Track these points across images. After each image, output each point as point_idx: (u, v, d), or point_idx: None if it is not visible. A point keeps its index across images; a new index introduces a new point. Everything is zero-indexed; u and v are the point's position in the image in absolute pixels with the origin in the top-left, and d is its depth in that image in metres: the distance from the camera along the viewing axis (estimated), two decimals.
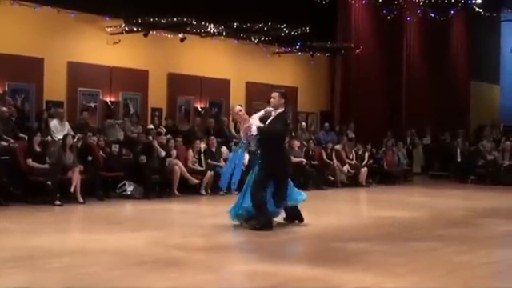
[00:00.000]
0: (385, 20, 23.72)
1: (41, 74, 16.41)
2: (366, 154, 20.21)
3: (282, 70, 22.10)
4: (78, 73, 17.13)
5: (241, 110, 10.85)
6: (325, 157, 19.22)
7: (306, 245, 9.47)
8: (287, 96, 10.65)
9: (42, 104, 16.29)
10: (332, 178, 18.96)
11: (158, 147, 15.21)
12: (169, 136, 16.22)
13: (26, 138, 13.87)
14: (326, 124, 21.94)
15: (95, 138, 14.76)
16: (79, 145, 14.36)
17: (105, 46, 17.51)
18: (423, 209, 13.76)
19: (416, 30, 25.84)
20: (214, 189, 15.69)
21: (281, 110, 10.40)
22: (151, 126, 17.26)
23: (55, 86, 16.66)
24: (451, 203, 15.38)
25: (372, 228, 11.10)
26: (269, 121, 10.44)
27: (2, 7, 15.14)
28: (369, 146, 20.72)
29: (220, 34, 19.01)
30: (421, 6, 24.69)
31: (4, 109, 14.41)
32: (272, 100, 10.52)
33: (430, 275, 7.21)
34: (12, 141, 13.81)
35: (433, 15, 25.10)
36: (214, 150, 16.56)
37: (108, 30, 17.54)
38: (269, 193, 10.24)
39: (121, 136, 16.33)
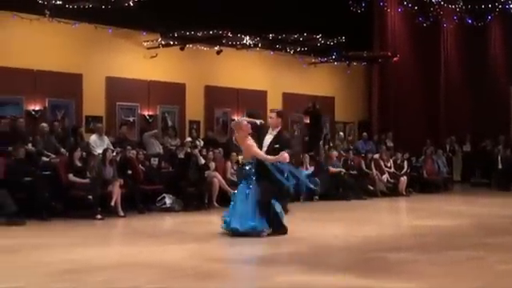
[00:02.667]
0: (421, 27, 23.56)
1: (80, 90, 16.62)
2: (406, 163, 20.05)
3: (318, 80, 22.07)
4: (116, 87, 17.31)
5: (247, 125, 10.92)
6: (364, 166, 19.12)
7: (347, 255, 9.40)
8: (283, 115, 11.01)
9: (81, 119, 16.49)
10: (371, 188, 18.84)
11: (198, 154, 15.29)
12: (208, 148, 16.30)
13: (67, 153, 14.05)
14: (365, 133, 21.82)
15: (134, 152, 14.88)
16: (119, 159, 14.50)
17: (142, 61, 17.69)
18: (464, 217, 13.59)
19: (453, 37, 25.61)
20: None
21: (278, 129, 10.73)
22: (189, 139, 17.36)
23: (94, 101, 16.85)
24: (493, 211, 15.15)
25: (413, 237, 11.00)
26: (268, 141, 10.65)
27: (42, 24, 15.36)
28: (408, 155, 20.56)
29: (256, 45, 19.08)
30: (457, 13, 24.49)
31: (44, 125, 14.63)
32: (269, 120, 10.91)
33: (474, 285, 7.11)
34: (53, 156, 14.00)
35: (470, 21, 24.86)
36: None
37: (145, 44, 17.72)
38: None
39: (159, 149, 16.44)
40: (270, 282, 7.33)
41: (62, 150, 14.38)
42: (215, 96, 19.38)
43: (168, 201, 14.68)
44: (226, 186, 15.48)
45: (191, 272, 7.66)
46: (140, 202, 14.17)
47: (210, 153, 16.00)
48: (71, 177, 13.38)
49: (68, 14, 15.46)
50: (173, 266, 7.99)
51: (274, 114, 10.83)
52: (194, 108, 18.93)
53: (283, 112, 11.09)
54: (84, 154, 14.09)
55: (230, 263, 8.28)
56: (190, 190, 14.89)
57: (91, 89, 16.74)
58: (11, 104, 15.47)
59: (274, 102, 20.77)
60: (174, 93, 18.49)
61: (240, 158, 12.78)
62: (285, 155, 10.38)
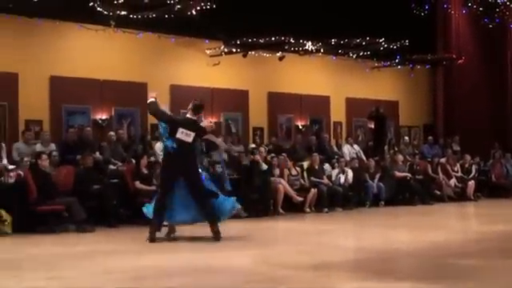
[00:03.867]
0: (486, 29, 23.09)
1: (145, 99, 16.61)
2: (474, 167, 19.68)
3: (381, 84, 21.88)
4: (180, 95, 17.39)
5: None
6: (430, 171, 18.85)
7: (415, 261, 9.25)
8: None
9: (146, 127, 16.69)
10: (438, 193, 18.56)
11: (261, 160, 15.31)
12: (272, 154, 16.30)
13: (134, 160, 14.25)
14: (430, 137, 21.53)
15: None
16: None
17: (205, 68, 17.82)
18: None
19: None
20: (318, 206, 15.67)
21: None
22: (253, 145, 17.39)
23: None
24: None
25: (482, 243, 10.75)
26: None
27: (107, 35, 15.63)
28: (477, 159, 20.19)
29: (318, 50, 19.03)
30: None
31: (112, 133, 14.88)
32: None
33: None
34: (120, 164, 14.22)
35: None
36: (316, 167, 16.51)
37: (208, 52, 17.86)
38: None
39: (224, 156, 16.49)
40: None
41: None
42: (278, 102, 19.40)
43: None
44: (291, 192, 15.47)
45: (259, 278, 7.64)
46: None
47: (275, 159, 16.00)
48: (138, 184, 13.56)
49: (132, 24, 15.70)
50: (240, 272, 8.00)
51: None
52: (258, 114, 18.98)
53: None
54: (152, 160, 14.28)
55: (298, 269, 8.22)
56: (254, 196, 14.90)
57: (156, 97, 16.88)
58: (79, 113, 15.80)
59: (337, 108, 20.73)
60: (237, 100, 18.58)
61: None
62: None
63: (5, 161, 13.38)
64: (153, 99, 10.91)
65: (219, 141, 10.80)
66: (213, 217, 10.72)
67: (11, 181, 12.61)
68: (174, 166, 10.69)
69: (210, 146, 10.88)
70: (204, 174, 11.02)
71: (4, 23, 14.59)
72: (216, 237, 10.61)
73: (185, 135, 10.54)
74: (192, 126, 10.63)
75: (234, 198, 11.20)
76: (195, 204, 10.63)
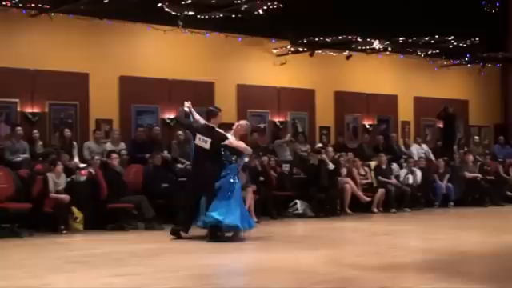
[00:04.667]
0: None
1: (212, 98, 16.96)
2: None
3: (450, 83, 21.53)
4: (247, 95, 17.56)
5: None
6: (502, 172, 18.45)
7: (484, 264, 9.05)
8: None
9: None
10: (510, 194, 18.13)
11: (327, 159, 15.24)
12: (339, 154, 16.23)
13: None
14: (501, 137, 21.05)
15: (266, 158, 15.01)
16: (257, 165, 14.63)
17: (272, 68, 17.85)
18: None
19: None
20: (386, 207, 15.52)
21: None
22: (320, 145, 17.33)
23: (226, 109, 16.90)
24: None
25: None
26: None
27: (175, 35, 15.80)
28: None
29: (385, 49, 18.85)
30: None
31: (180, 132, 15.04)
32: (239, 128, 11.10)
33: None
34: (188, 163, 14.34)
35: None
36: (384, 167, 16.35)
37: (274, 51, 17.88)
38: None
39: (290, 155, 16.52)
40: None
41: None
42: (345, 101, 19.29)
43: (300, 207, 14.73)
44: (359, 192, 15.37)
45: (327, 278, 7.60)
46: (273, 207, 14.28)
47: (342, 158, 15.92)
48: None
49: (200, 24, 15.84)
50: (308, 272, 7.97)
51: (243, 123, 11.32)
52: (324, 114, 18.91)
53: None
54: None
55: (366, 270, 8.15)
56: (321, 195, 14.85)
57: (223, 96, 17.05)
58: (147, 113, 16.02)
59: (405, 107, 20.48)
60: (303, 99, 18.55)
61: None
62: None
63: (76, 159, 13.68)
64: (186, 108, 11.12)
65: (242, 147, 10.72)
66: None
67: (82, 179, 12.87)
68: (193, 172, 11.02)
69: (237, 152, 10.83)
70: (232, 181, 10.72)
71: (75, 24, 14.89)
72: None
73: (202, 141, 10.67)
74: (208, 132, 10.72)
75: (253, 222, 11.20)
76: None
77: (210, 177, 10.53)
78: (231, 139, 10.69)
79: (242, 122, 11.40)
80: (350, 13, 17.07)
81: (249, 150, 10.93)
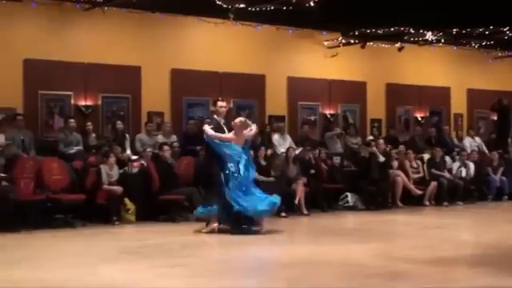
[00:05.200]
0: None
1: (263, 90, 17.00)
2: None
3: (505, 74, 21.11)
4: (297, 87, 17.53)
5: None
6: None
7: None
8: None
9: (264, 119, 16.84)
10: None
11: (377, 152, 15.14)
12: (390, 146, 16.10)
13: (252, 152, 14.37)
14: None
15: (317, 151, 14.98)
16: (310, 157, 14.62)
17: (323, 60, 17.77)
18: None
19: None
20: (438, 200, 15.35)
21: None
22: (371, 137, 17.22)
23: (277, 101, 17.17)
24: None
25: None
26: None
27: (226, 28, 15.84)
28: None
29: (438, 41, 18.58)
30: None
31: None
32: (223, 109, 11.15)
33: None
34: None
35: None
36: (437, 160, 16.16)
37: (325, 43, 17.80)
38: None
39: (341, 148, 16.45)
40: (464, 283, 7.08)
41: None
42: (397, 93, 19.10)
43: (350, 199, 14.68)
44: (410, 185, 15.23)
45: (378, 271, 7.56)
46: (323, 200, 14.25)
47: (393, 151, 15.79)
48: (256, 175, 13.66)
49: (251, 17, 15.83)
50: (359, 265, 7.93)
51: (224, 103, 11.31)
52: (375, 106, 18.76)
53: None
54: (269, 152, 14.40)
55: (417, 264, 8.07)
56: (372, 188, 14.76)
57: (274, 89, 17.07)
58: (198, 105, 16.12)
59: (458, 99, 20.20)
60: (354, 91, 18.43)
61: None
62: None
63: (128, 151, 13.84)
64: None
65: (218, 136, 10.83)
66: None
67: (135, 171, 13.03)
68: None
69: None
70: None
71: (128, 18, 15.05)
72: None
73: None
74: None
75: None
76: None
77: (203, 169, 10.85)
78: (206, 128, 10.89)
79: (237, 119, 11.33)
80: (403, 4, 16.82)
81: (227, 137, 10.83)
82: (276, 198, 10.83)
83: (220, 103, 11.22)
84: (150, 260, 8.26)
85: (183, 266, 7.76)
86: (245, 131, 10.89)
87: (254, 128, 11.07)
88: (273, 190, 13.15)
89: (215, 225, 10.65)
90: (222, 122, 11.07)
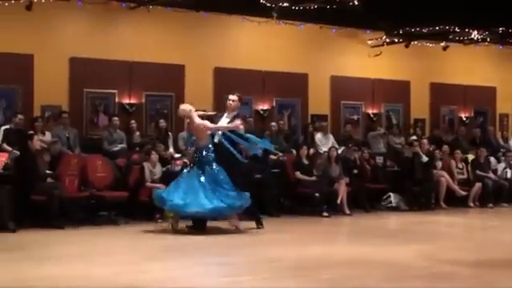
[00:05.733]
0: None
1: (305, 89, 16.96)
2: None
3: None
4: (340, 86, 17.46)
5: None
6: None
7: None
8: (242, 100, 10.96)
9: (307, 118, 16.81)
10: None
11: (421, 152, 15.00)
12: (434, 147, 15.95)
13: (294, 151, 14.40)
14: None
15: (359, 151, 14.90)
16: (356, 158, 14.55)
17: (366, 59, 17.66)
18: None
19: None
20: (483, 201, 15.14)
21: (234, 113, 10.84)
22: (414, 137, 17.04)
23: (319, 100, 17.12)
24: None
25: None
26: (225, 123, 10.65)
27: (269, 27, 15.83)
28: None
29: (484, 40, 18.30)
30: None
31: (273, 123, 15.14)
32: (230, 103, 10.86)
33: None
34: (281, 154, 14.39)
35: None
36: (482, 160, 15.94)
37: (369, 42, 17.68)
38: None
39: (384, 148, 16.34)
40: (508, 285, 6.98)
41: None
42: (441, 93, 18.88)
43: (393, 200, 14.57)
44: (454, 186, 15.07)
45: (422, 273, 7.50)
46: (366, 200, 14.17)
47: (437, 151, 15.63)
48: (298, 174, 13.69)
49: (294, 16, 15.79)
50: (401, 266, 7.87)
51: (235, 97, 10.90)
52: (419, 106, 18.59)
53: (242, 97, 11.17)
54: (311, 151, 14.38)
55: (460, 266, 7.98)
56: (415, 189, 14.63)
57: (316, 88, 17.03)
58: (242, 104, 16.08)
59: (504, 99, 19.90)
60: (398, 91, 18.28)
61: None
62: (237, 122, 10.51)
63: (171, 149, 13.93)
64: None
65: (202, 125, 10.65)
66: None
67: (177, 169, 13.09)
68: None
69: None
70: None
71: (172, 16, 15.15)
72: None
73: None
74: None
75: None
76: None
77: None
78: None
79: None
80: (448, 2, 16.65)
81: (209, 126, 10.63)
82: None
83: (231, 96, 11.10)
84: (191, 258, 8.31)
85: (224, 265, 7.79)
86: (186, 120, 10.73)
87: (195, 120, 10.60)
88: (315, 189, 13.24)
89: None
90: (226, 115, 10.92)
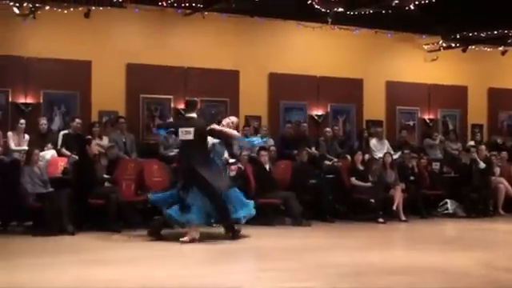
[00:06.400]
0: None
1: (360, 95, 16.88)
2: None
3: None
4: (396, 92, 17.32)
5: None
6: None
7: None
8: None
9: (362, 123, 16.71)
10: None
11: (478, 158, 14.76)
12: (492, 153, 15.67)
13: (349, 156, 14.32)
14: None
15: (417, 158, 14.73)
16: (408, 164, 14.39)
17: (422, 64, 17.50)
18: None
19: None
20: None
21: None
22: (471, 143, 16.79)
23: (374, 106, 17.01)
24: None
25: None
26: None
27: (324, 32, 15.81)
28: None
29: None
30: None
31: (328, 129, 15.10)
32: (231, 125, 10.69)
33: None
34: (335, 160, 14.35)
35: None
36: None
37: (425, 47, 17.51)
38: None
39: (440, 154, 16.13)
40: None
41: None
42: (499, 98, 18.59)
43: (450, 206, 14.36)
44: None
45: (480, 281, 7.35)
46: (422, 207, 13.99)
47: (495, 157, 15.35)
48: (353, 180, 13.60)
49: (349, 21, 15.75)
50: (458, 274, 7.74)
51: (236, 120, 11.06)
52: (477, 111, 18.33)
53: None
54: (366, 157, 14.28)
55: None
56: (472, 195, 14.39)
57: (371, 93, 16.94)
58: (296, 109, 16.15)
59: None
60: (455, 96, 18.06)
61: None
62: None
63: (226, 155, 13.94)
64: None
65: (229, 131, 10.47)
66: (225, 219, 10.23)
67: (232, 174, 13.13)
68: (181, 168, 10.41)
69: (227, 141, 10.68)
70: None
71: (227, 22, 15.25)
72: (232, 236, 10.22)
73: (185, 133, 10.19)
74: (190, 121, 10.32)
75: (251, 204, 10.61)
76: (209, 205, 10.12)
77: (199, 167, 10.08)
78: (215, 126, 10.53)
79: (233, 118, 11.11)
80: (506, 6, 16.36)
81: (236, 134, 10.73)
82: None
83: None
84: (244, 263, 8.32)
85: (278, 271, 7.76)
86: None
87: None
88: (370, 195, 13.14)
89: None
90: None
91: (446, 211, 14.40)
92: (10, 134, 12.36)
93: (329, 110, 16.53)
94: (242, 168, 13.10)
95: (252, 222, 12.31)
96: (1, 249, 9.37)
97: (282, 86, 15.91)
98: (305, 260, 8.55)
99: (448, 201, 14.46)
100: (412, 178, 14.16)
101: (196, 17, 14.77)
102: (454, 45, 17.36)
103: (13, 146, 12.23)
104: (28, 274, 7.48)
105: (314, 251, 9.41)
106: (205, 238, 10.19)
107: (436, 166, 15.16)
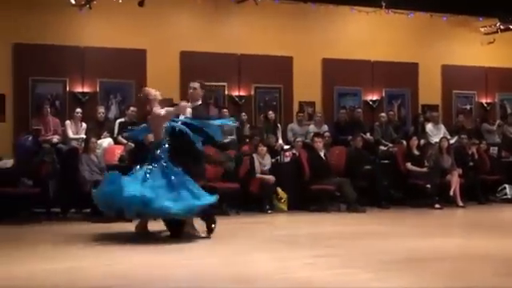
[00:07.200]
0: None
1: (416, 79, 16.70)
2: None
3: None
4: (452, 75, 17.08)
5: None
6: None
7: None
8: (206, 87, 9.68)
9: (417, 108, 16.53)
10: None
11: None
12: None
13: (404, 142, 14.19)
14: None
15: (477, 144, 14.51)
16: (468, 151, 14.20)
17: (479, 47, 17.19)
18: None
19: None
20: None
21: (198, 102, 9.38)
22: None
23: (430, 90, 16.80)
24: None
25: None
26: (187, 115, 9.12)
27: (378, 16, 15.64)
28: None
29: None
30: None
31: (383, 114, 14.98)
32: (191, 91, 9.40)
33: None
34: (391, 145, 14.24)
35: None
36: None
37: (482, 30, 17.20)
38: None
39: (498, 138, 15.85)
40: None
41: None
42: None
43: (509, 191, 14.13)
44: None
45: None
46: (480, 192, 13.78)
47: None
48: (409, 166, 13.49)
49: (403, 4, 15.58)
50: (498, 262, 7.58)
51: (197, 85, 9.36)
52: None
53: (205, 84, 9.66)
54: (422, 142, 14.15)
55: None
56: None
57: (427, 77, 16.74)
58: (350, 95, 16.07)
59: None
60: None
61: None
62: (182, 104, 9.28)
63: (280, 141, 14.01)
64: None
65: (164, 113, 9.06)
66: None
67: (286, 160, 13.17)
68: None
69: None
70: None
71: (280, 9, 15.23)
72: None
73: None
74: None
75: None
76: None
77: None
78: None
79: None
80: None
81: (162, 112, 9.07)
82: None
83: (191, 84, 9.56)
84: (300, 249, 8.31)
85: (332, 257, 7.74)
86: None
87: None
88: (426, 180, 13.00)
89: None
90: (190, 105, 9.40)
91: (504, 196, 14.18)
92: (67, 122, 12.61)
93: (383, 94, 16.39)
94: (297, 154, 13.11)
95: (307, 208, 12.36)
96: (61, 235, 9.55)
97: (336, 72, 15.84)
98: (359, 246, 8.51)
99: (507, 186, 14.24)
100: (471, 163, 13.93)
101: (249, 3, 14.78)
102: (511, 27, 17.00)
103: (71, 134, 12.47)
104: (93, 258, 7.63)
105: (369, 238, 9.36)
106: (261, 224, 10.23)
107: (494, 150, 14.90)
